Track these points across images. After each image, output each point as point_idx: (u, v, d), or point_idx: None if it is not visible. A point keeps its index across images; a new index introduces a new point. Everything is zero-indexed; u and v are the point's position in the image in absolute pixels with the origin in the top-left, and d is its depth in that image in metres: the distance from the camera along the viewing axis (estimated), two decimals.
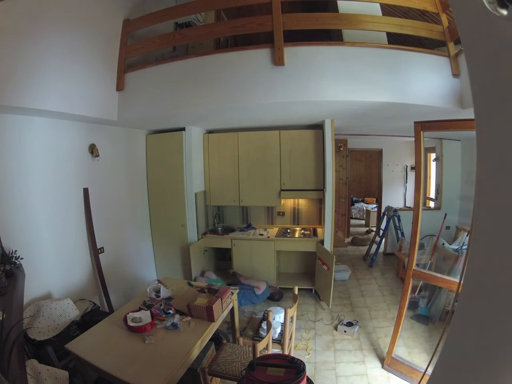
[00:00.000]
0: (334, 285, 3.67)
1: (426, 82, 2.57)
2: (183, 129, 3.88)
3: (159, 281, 2.70)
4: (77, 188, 2.92)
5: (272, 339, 2.42)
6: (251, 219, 4.70)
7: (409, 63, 2.56)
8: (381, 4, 3.01)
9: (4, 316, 1.55)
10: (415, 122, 2.39)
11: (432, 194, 5.77)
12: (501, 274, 0.69)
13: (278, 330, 2.76)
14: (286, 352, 2.30)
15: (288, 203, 4.56)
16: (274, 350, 2.47)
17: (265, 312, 2.55)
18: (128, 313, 2.12)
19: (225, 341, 2.59)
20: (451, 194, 4.97)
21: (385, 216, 5.36)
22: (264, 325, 2.68)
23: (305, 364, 1.42)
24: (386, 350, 2.66)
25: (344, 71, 2.51)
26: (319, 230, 4.24)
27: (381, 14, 3.02)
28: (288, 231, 4.31)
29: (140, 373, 1.66)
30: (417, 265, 2.51)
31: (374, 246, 5.36)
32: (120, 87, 2.91)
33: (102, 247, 3.19)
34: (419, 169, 2.42)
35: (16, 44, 2.02)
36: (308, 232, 4.21)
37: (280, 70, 2.51)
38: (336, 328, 3.19)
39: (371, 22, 2.59)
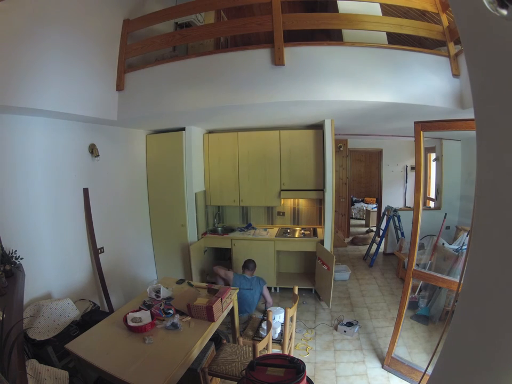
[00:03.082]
0: (334, 285, 3.67)
1: (426, 83, 2.56)
2: (183, 129, 3.88)
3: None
4: (77, 188, 2.92)
5: (272, 339, 2.43)
6: (251, 219, 4.70)
7: (409, 63, 2.56)
8: (381, 4, 3.01)
9: (4, 315, 1.55)
10: (415, 122, 2.40)
11: (432, 194, 5.77)
12: (500, 274, 0.69)
13: (278, 330, 2.76)
14: (286, 352, 2.30)
15: (288, 203, 4.56)
16: (274, 350, 2.47)
17: (265, 312, 2.55)
18: (128, 313, 2.12)
19: (225, 341, 2.59)
20: (451, 194, 4.97)
21: (385, 216, 5.36)
22: (264, 325, 2.68)
23: (305, 363, 1.42)
24: (386, 350, 2.66)
25: (344, 71, 2.51)
26: (319, 230, 4.24)
27: (381, 14, 3.03)
28: (288, 231, 4.31)
29: (140, 373, 1.66)
30: (417, 265, 2.51)
31: (374, 246, 5.36)
32: (120, 87, 2.91)
33: (102, 247, 3.19)
34: (419, 169, 2.42)
35: (16, 43, 2.02)
36: (308, 232, 4.21)
37: (280, 70, 2.51)
38: (336, 328, 3.19)
39: (371, 22, 2.59)
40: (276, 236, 4.10)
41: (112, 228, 3.41)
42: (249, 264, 3.45)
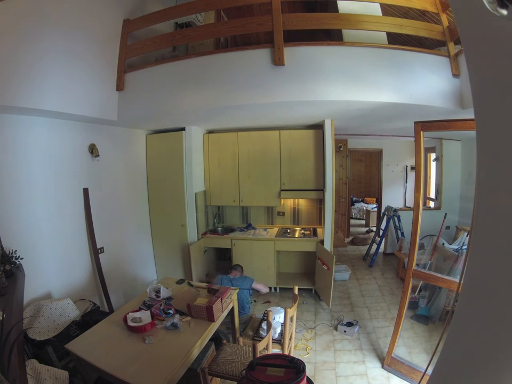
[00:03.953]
0: (334, 285, 3.67)
1: (426, 82, 2.56)
2: (183, 129, 3.88)
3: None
4: (77, 188, 2.92)
5: (272, 339, 2.42)
6: (251, 219, 4.70)
7: (409, 63, 2.56)
8: (381, 4, 3.01)
9: (4, 315, 1.55)
10: (415, 122, 2.39)
11: (432, 194, 5.77)
12: (500, 274, 0.69)
13: (278, 330, 2.76)
14: (286, 352, 2.30)
15: (288, 203, 4.56)
16: (274, 350, 2.47)
17: (265, 312, 2.55)
18: (128, 313, 2.12)
19: (225, 341, 2.59)
20: (451, 194, 4.98)
21: (385, 216, 5.36)
22: (264, 325, 2.68)
23: (305, 363, 1.42)
24: (386, 350, 2.66)
25: (344, 71, 2.51)
26: (319, 230, 4.24)
27: (381, 14, 3.03)
28: (288, 231, 4.31)
29: (140, 373, 1.66)
30: (417, 265, 2.51)
31: (374, 246, 5.36)
32: (120, 87, 2.91)
33: (102, 247, 3.19)
34: (419, 169, 2.42)
35: (17, 44, 2.02)
36: (308, 232, 4.21)
37: (280, 70, 2.51)
38: (336, 328, 3.19)
39: (371, 22, 2.59)
40: (276, 236, 4.10)
41: (112, 228, 3.41)
42: (235, 269, 3.37)
